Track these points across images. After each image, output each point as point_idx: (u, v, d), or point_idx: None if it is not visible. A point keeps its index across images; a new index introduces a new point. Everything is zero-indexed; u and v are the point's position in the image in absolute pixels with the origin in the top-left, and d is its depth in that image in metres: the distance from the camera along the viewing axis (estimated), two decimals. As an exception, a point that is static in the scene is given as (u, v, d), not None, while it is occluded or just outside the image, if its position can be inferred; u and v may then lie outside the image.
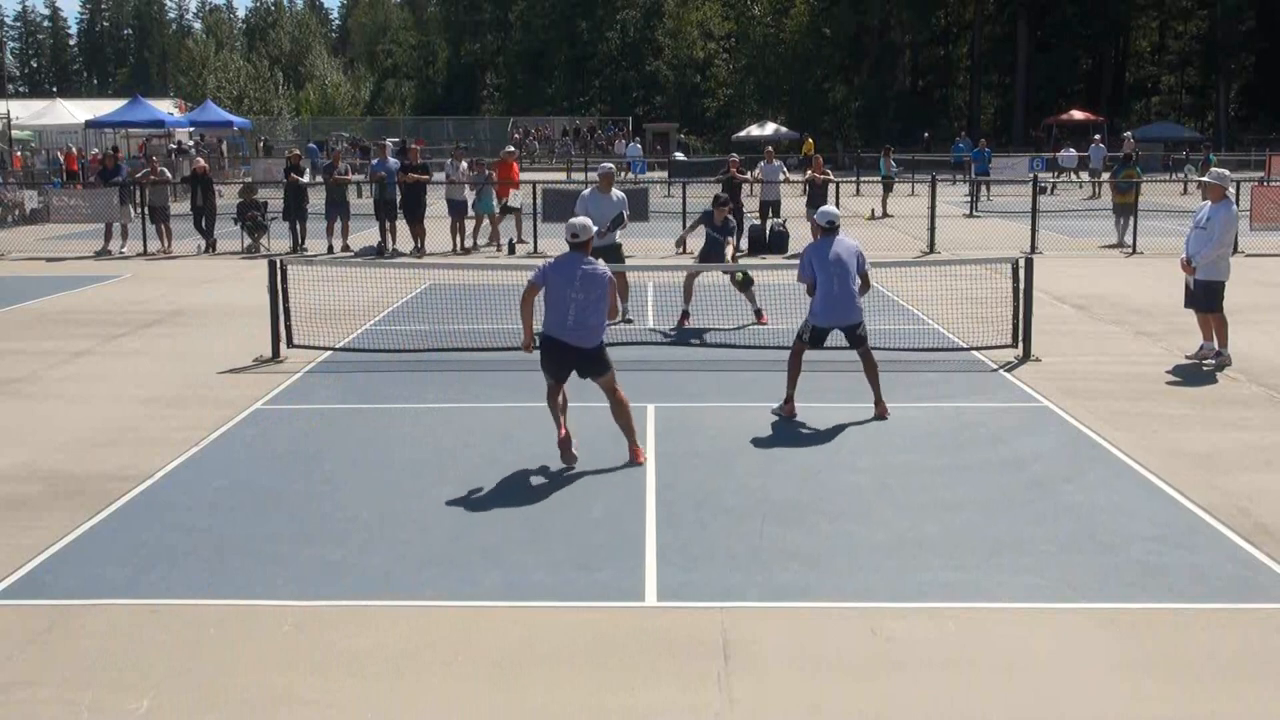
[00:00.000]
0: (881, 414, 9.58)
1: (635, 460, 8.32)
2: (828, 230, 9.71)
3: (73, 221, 24.07)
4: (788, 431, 9.18)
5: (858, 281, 9.58)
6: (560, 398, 8.42)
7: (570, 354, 8.20)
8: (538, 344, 8.25)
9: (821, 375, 10.71)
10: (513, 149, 25.14)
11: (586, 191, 14.14)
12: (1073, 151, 40.15)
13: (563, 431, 8.34)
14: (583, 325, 8.14)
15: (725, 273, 14.16)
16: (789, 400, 9.61)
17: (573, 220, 8.49)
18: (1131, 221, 21.99)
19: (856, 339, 9.67)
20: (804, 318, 9.79)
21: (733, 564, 6.44)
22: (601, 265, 8.33)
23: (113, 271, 19.83)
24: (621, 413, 8.35)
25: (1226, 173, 12.21)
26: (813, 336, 9.70)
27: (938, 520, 7.12)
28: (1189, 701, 4.96)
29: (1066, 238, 23.94)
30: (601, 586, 6.17)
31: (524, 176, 25.07)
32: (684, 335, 13.21)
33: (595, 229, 13.18)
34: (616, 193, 13.91)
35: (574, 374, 8.36)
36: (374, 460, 8.49)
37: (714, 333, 13.26)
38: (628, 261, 15.42)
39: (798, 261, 9.90)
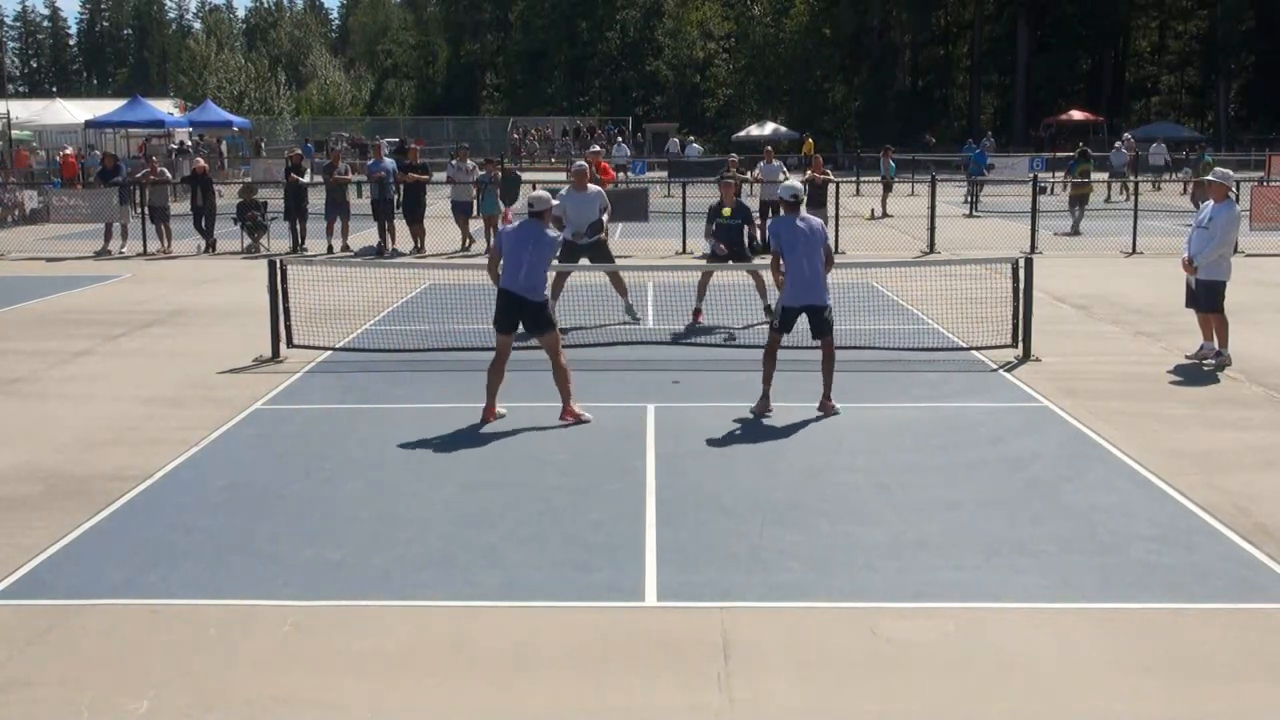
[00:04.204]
0: (828, 411, 9.55)
1: (564, 418, 9.36)
2: (792, 205, 9.69)
3: (73, 221, 24.07)
4: (787, 431, 9.17)
5: (823, 260, 9.58)
6: (499, 375, 9.50)
7: (523, 306, 9.34)
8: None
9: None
10: (598, 148, 24.81)
11: (563, 191, 13.97)
12: (1120, 151, 35.98)
13: (492, 409, 9.45)
14: (532, 283, 9.32)
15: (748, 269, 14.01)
16: (765, 397, 9.61)
17: (533, 194, 9.86)
18: (1080, 210, 25.14)
19: (823, 324, 9.58)
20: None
21: (733, 564, 6.44)
22: (550, 231, 9.53)
23: (113, 271, 19.82)
24: (560, 377, 9.43)
25: (1230, 173, 12.18)
26: (784, 321, 9.65)
27: (937, 520, 7.12)
28: (1189, 701, 4.96)
29: (1066, 237, 23.93)
30: (601, 586, 6.17)
31: (522, 177, 24.95)
32: (689, 334, 13.19)
33: (570, 230, 13.21)
34: (592, 188, 13.89)
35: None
36: (374, 460, 8.49)
37: (719, 332, 13.26)
38: (629, 261, 15.43)
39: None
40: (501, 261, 9.48)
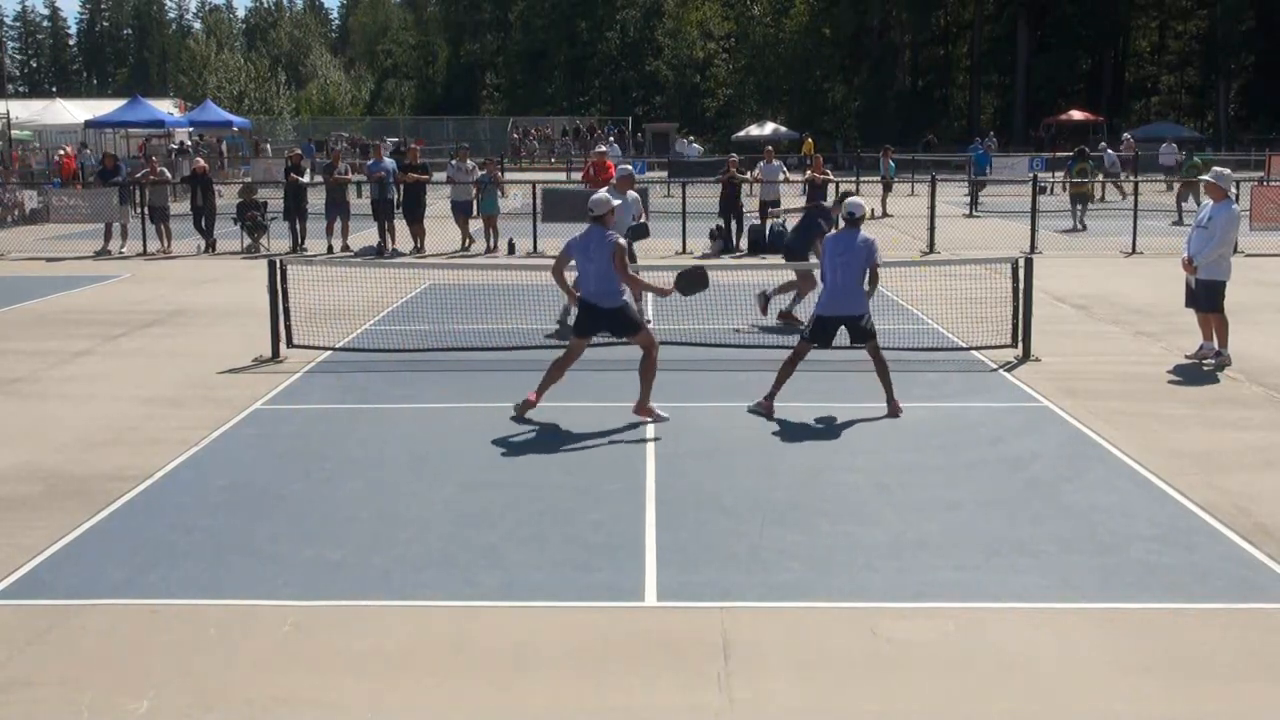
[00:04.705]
0: (894, 412, 9.55)
1: (637, 412, 9.26)
2: (849, 222, 9.75)
3: (72, 221, 24.07)
4: (787, 431, 9.17)
5: (865, 275, 9.59)
6: (561, 371, 9.45)
7: (599, 314, 9.33)
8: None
9: (821, 375, 10.71)
10: (604, 149, 24.77)
11: (603, 190, 14.17)
12: (1111, 152, 36.44)
13: (533, 397, 9.43)
14: (602, 289, 9.24)
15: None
16: (770, 398, 9.62)
17: (593, 197, 9.63)
18: (1082, 208, 26.12)
19: (861, 333, 9.64)
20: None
21: (733, 564, 6.44)
22: (610, 234, 9.29)
23: (113, 271, 19.83)
24: (645, 371, 9.32)
25: (1228, 172, 12.13)
26: (815, 330, 9.69)
27: (937, 520, 7.12)
28: (1189, 701, 4.96)
29: (1066, 237, 23.94)
30: (601, 586, 6.16)
31: (522, 177, 24.97)
32: (690, 334, 13.14)
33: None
34: (631, 193, 14.03)
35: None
36: (374, 460, 8.49)
37: (719, 332, 13.25)
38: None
39: (797, 262, 9.96)
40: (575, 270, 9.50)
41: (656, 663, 5.29)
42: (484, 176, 22.73)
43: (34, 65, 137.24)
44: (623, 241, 9.41)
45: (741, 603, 5.92)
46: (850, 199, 10.33)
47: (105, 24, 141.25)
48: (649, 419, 9.26)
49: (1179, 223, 25.43)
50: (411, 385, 10.84)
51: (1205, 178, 12.43)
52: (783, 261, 13.61)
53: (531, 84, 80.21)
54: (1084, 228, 25.52)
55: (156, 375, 11.40)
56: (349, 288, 14.76)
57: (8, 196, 28.17)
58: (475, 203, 22.37)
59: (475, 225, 22.52)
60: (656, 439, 8.91)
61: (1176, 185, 28.32)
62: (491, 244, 22.27)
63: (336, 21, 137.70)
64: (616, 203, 9.65)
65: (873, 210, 29.10)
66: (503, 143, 61.29)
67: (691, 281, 9.86)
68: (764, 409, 9.59)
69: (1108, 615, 5.79)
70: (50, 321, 14.76)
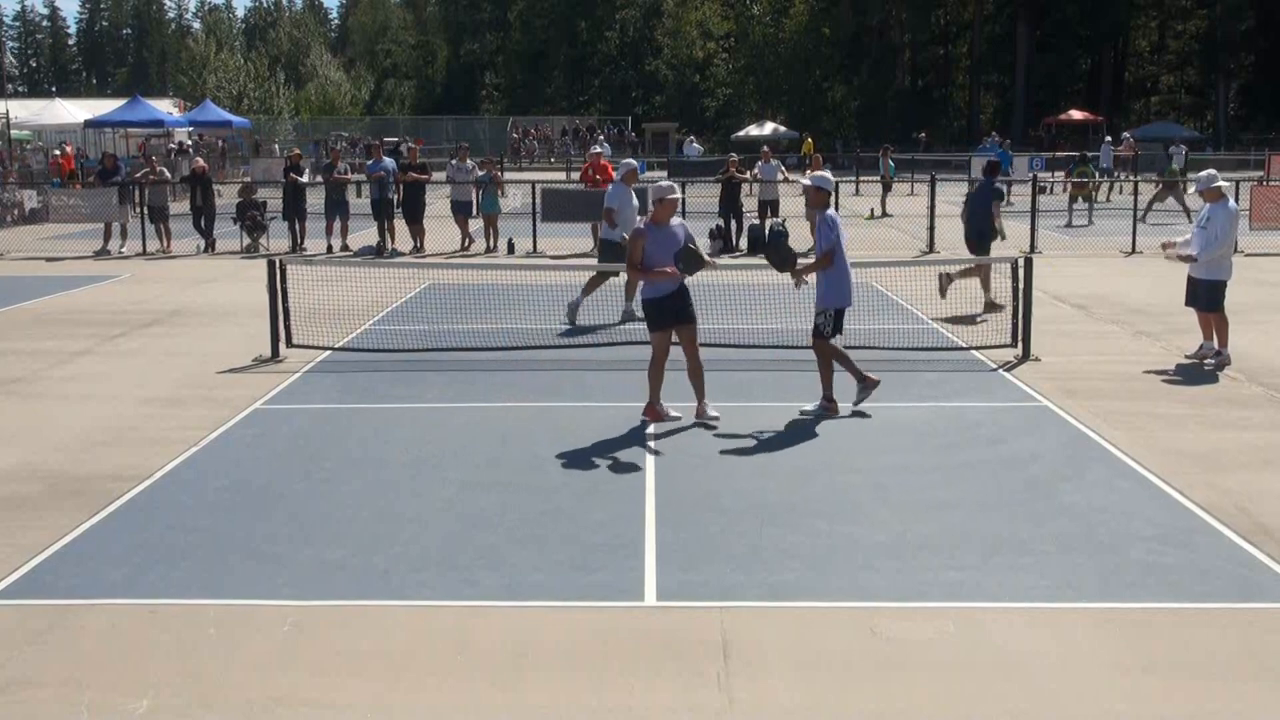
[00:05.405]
0: (830, 409, 9.50)
1: (644, 414, 9.34)
2: (828, 199, 9.63)
3: (72, 221, 24.07)
4: (787, 432, 9.17)
5: None
6: (687, 372, 9.40)
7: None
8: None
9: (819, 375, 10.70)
10: (599, 149, 24.70)
11: (611, 187, 14.30)
12: (1108, 145, 37.19)
13: (651, 414, 9.35)
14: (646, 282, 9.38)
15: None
16: (829, 398, 9.55)
17: (659, 184, 9.60)
18: (1089, 206, 27.71)
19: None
20: (819, 312, 9.58)
21: (733, 564, 6.44)
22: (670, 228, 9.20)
23: (112, 271, 19.83)
24: (649, 371, 9.33)
25: (1214, 172, 12.02)
26: (837, 324, 9.58)
27: (937, 520, 7.12)
28: (1189, 701, 4.96)
29: (1067, 237, 23.95)
30: (601, 587, 6.16)
31: (521, 176, 24.94)
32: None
33: (619, 229, 13.33)
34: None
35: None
36: (374, 460, 8.49)
37: (713, 332, 13.25)
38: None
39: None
40: None
41: (656, 663, 5.29)
42: (484, 176, 22.72)
43: (33, 65, 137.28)
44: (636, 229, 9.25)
45: (741, 603, 5.92)
46: (819, 173, 10.20)
47: (105, 24, 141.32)
48: (652, 420, 9.25)
49: (1142, 220, 25.80)
50: (411, 385, 10.84)
51: (1192, 181, 12.37)
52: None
53: (531, 84, 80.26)
54: (1089, 224, 26.17)
55: (156, 375, 11.40)
56: (349, 288, 14.76)
57: (6, 196, 28.16)
58: (475, 202, 22.37)
59: (475, 225, 22.52)
60: (656, 439, 8.91)
61: (1158, 187, 28.50)
62: (491, 244, 22.27)
63: (336, 21, 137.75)
64: (674, 196, 9.38)
65: (872, 210, 29.16)
66: (502, 142, 61.31)
67: (689, 261, 9.47)
68: (827, 409, 9.53)
69: (1107, 615, 5.79)
70: (49, 321, 14.76)
